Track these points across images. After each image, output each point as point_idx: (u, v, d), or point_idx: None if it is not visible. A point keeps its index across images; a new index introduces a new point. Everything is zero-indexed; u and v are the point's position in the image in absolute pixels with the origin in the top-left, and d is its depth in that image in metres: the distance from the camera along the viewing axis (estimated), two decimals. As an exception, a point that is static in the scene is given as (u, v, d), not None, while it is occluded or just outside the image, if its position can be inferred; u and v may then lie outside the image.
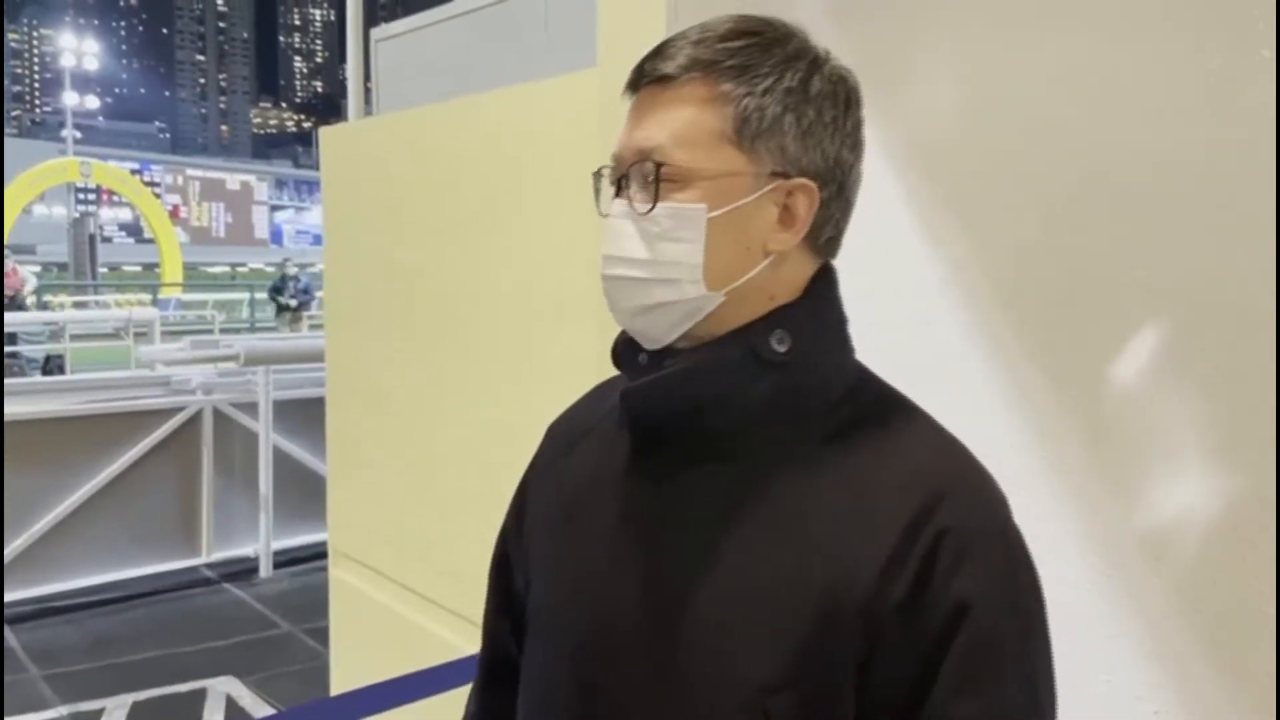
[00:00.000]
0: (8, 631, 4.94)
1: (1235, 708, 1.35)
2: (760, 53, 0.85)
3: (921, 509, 0.79)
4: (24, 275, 13.18)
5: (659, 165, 0.84)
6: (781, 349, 0.85)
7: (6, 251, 13.16)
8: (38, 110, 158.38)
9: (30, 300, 13.63)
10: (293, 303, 15.00)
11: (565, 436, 1.05)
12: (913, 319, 1.66)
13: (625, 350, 0.94)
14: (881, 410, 0.88)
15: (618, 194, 0.88)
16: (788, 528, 0.82)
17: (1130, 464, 1.43)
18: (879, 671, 0.78)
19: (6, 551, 5.23)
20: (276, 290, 15.46)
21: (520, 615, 1.03)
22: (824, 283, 0.90)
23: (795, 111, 0.85)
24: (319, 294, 13.73)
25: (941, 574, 0.77)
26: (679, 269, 0.84)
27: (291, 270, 15.64)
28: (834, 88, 0.87)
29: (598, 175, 0.93)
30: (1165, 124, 1.39)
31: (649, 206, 0.84)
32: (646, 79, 0.87)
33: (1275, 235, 1.28)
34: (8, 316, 12.39)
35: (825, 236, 0.89)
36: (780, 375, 0.85)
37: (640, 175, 0.85)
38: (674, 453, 0.87)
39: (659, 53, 0.87)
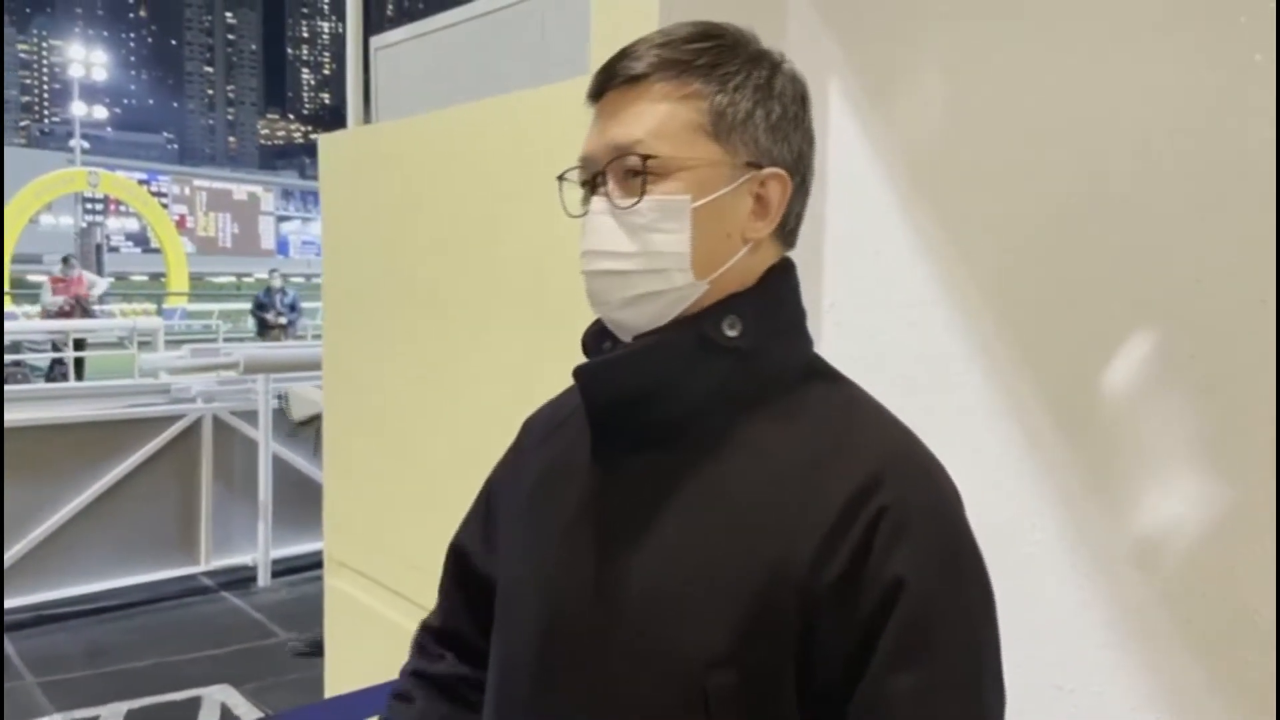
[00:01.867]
0: (4, 639, 4.94)
1: (1231, 718, 1.34)
2: (727, 53, 0.90)
3: (861, 488, 0.81)
4: (90, 279, 13.24)
5: (645, 158, 0.86)
6: (733, 333, 0.87)
7: (73, 259, 13.29)
8: (46, 120, 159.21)
9: (97, 306, 13.59)
10: (281, 320, 13.29)
11: (539, 430, 1.08)
12: (902, 324, 1.66)
13: (592, 340, 0.97)
14: (831, 398, 0.91)
15: (593, 193, 0.90)
16: (728, 511, 0.84)
17: (1121, 473, 1.42)
18: (818, 647, 0.80)
19: (5, 558, 5.23)
20: (260, 306, 13.63)
21: (476, 598, 1.07)
22: (780, 272, 0.93)
23: (764, 107, 0.89)
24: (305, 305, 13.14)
25: (879, 551, 0.79)
26: (667, 259, 0.87)
27: (277, 282, 13.85)
28: (794, 86, 0.92)
29: (562, 179, 0.96)
30: (1156, 132, 1.39)
31: (634, 199, 0.87)
32: (616, 81, 0.89)
33: (1274, 244, 1.27)
34: (26, 325, 12.48)
35: (790, 226, 0.93)
36: (732, 360, 0.88)
37: (620, 170, 0.88)
38: (626, 438, 0.90)
39: (624, 57, 0.90)
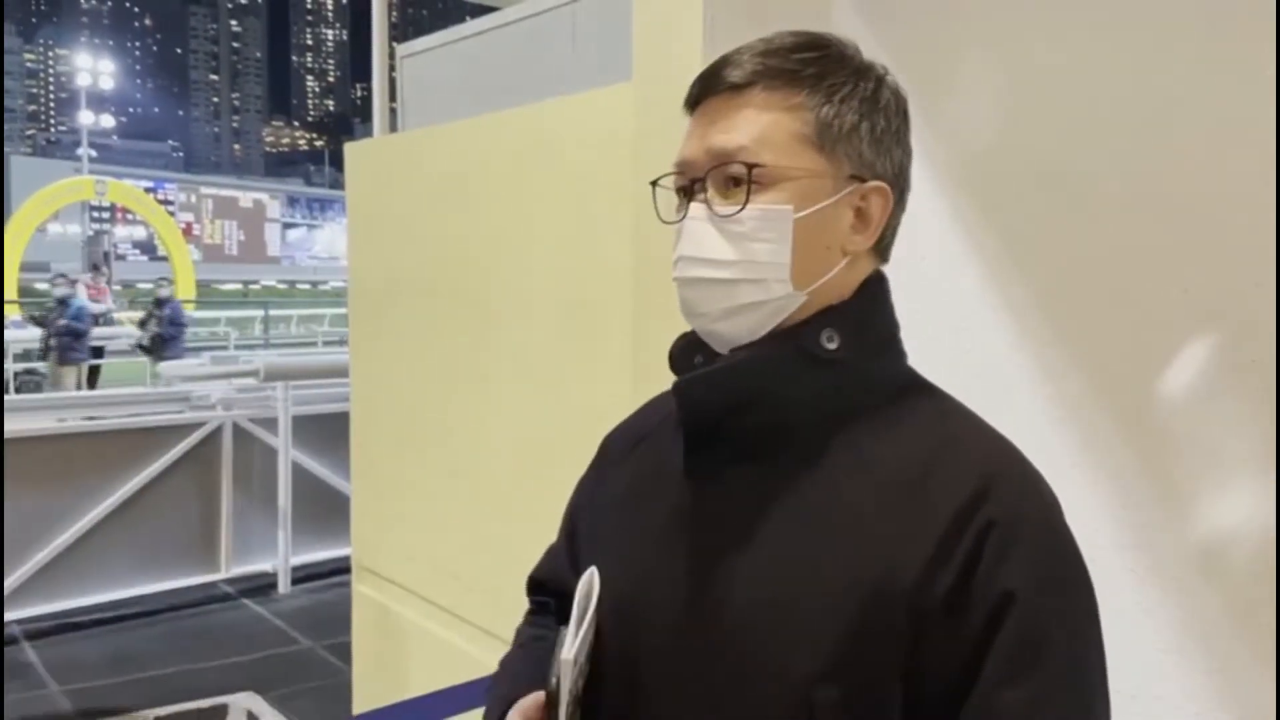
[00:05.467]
0: (28, 647, 4.95)
1: (1288, 723, 1.33)
2: (834, 64, 0.89)
3: (968, 502, 0.81)
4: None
5: (751, 166, 0.85)
6: (831, 347, 0.87)
7: (102, 268, 13.34)
8: (53, 130, 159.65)
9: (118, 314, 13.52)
10: (145, 337, 11.18)
11: (620, 446, 1.07)
12: (953, 327, 1.66)
13: (681, 353, 0.95)
14: (929, 410, 0.90)
15: (690, 199, 0.89)
16: (833, 523, 0.83)
17: (1182, 478, 1.42)
18: (926, 661, 0.79)
19: (26, 568, 5.24)
20: (142, 323, 11.67)
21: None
22: (877, 286, 0.93)
23: (869, 120, 0.89)
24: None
25: (988, 564, 0.79)
26: (767, 269, 0.86)
27: (165, 291, 11.86)
28: (897, 101, 0.92)
29: (655, 184, 0.95)
30: (1214, 133, 1.38)
31: (737, 208, 0.86)
32: (718, 88, 0.89)
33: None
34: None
35: (886, 240, 0.93)
36: (830, 373, 0.87)
37: (722, 177, 0.87)
38: (724, 450, 0.89)
39: (726, 64, 0.89)
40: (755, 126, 0.86)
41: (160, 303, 11.53)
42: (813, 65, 0.88)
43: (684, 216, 0.89)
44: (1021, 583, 0.79)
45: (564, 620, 0.93)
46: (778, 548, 0.84)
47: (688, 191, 0.90)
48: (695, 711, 0.85)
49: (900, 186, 0.92)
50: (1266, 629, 1.35)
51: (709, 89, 0.90)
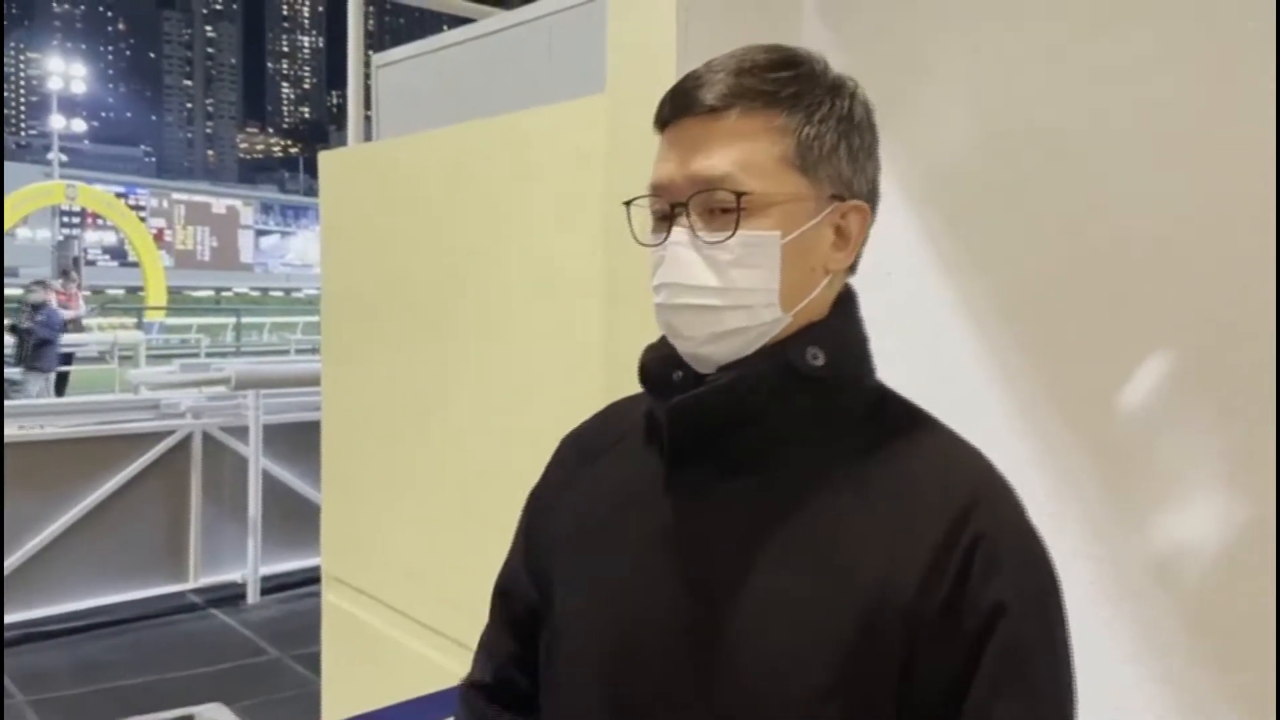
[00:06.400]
0: (-9, 657, 4.89)
1: (1245, 732, 1.36)
2: (809, 82, 0.88)
3: (957, 516, 0.82)
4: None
5: (739, 195, 0.85)
6: (817, 363, 0.87)
7: (73, 274, 13.22)
8: (23, 133, 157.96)
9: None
10: (27, 347, 10.22)
11: (580, 453, 1.05)
12: (919, 340, 1.68)
13: (657, 367, 0.94)
14: (906, 424, 0.91)
15: (670, 223, 0.88)
16: (825, 540, 0.83)
17: (1141, 490, 1.45)
18: (919, 674, 0.80)
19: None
20: (14, 328, 10.70)
21: (525, 639, 1.03)
22: (850, 302, 0.94)
23: (848, 139, 0.89)
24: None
25: (978, 576, 0.80)
26: (755, 295, 0.86)
27: (38, 296, 10.92)
28: (869, 115, 0.92)
29: (630, 205, 0.93)
30: (1178, 155, 1.41)
31: (725, 235, 0.85)
32: (693, 109, 0.87)
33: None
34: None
35: (859, 254, 0.93)
36: (817, 389, 0.88)
37: (707, 204, 0.86)
38: (709, 468, 0.88)
39: (699, 84, 0.87)
40: (737, 152, 0.85)
41: (36, 308, 10.84)
42: (789, 85, 0.87)
43: (665, 241, 0.88)
44: (1010, 596, 0.80)
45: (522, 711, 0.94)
46: (767, 568, 0.84)
47: (667, 216, 0.89)
48: None
49: (874, 201, 0.93)
50: (1225, 638, 1.38)
51: (682, 109, 0.88)
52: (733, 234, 0.85)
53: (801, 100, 0.87)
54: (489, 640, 1.10)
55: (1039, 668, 0.81)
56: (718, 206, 0.86)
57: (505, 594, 1.09)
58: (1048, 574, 0.86)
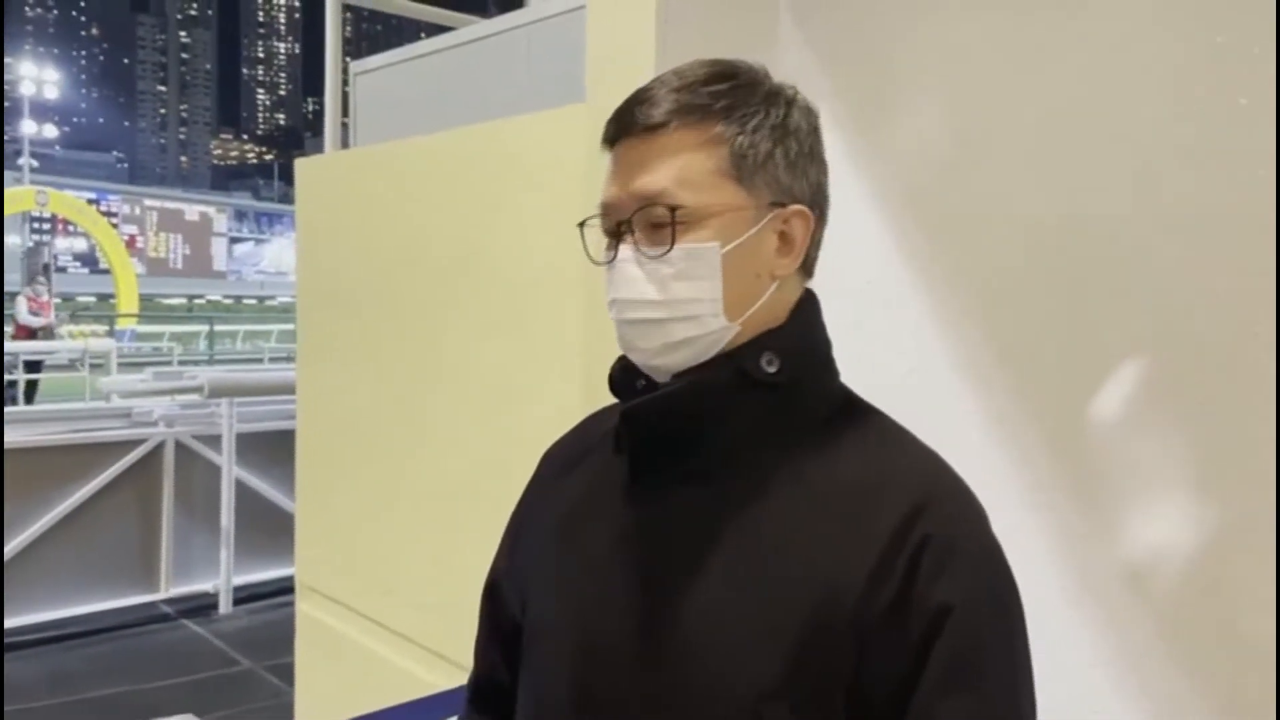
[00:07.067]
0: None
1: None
2: (743, 92, 0.90)
3: (905, 518, 0.83)
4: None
5: (674, 209, 0.87)
6: (771, 370, 0.89)
7: (44, 280, 13.07)
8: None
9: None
10: None
11: (561, 462, 1.08)
12: (895, 348, 1.69)
13: (622, 376, 0.97)
14: (865, 428, 0.93)
15: (619, 240, 0.91)
16: (776, 543, 0.85)
17: (1111, 493, 1.46)
18: (867, 674, 0.81)
19: (-42, 586, 5.11)
20: None
21: (511, 643, 1.05)
22: (810, 308, 0.95)
23: (783, 145, 0.90)
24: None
25: (925, 578, 0.81)
26: (700, 305, 0.88)
27: None
28: (808, 119, 0.94)
29: (583, 225, 0.96)
30: (1150, 165, 1.44)
31: (665, 249, 0.87)
32: (634, 128, 0.89)
33: (1272, 270, 1.32)
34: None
35: (810, 257, 0.95)
36: (771, 395, 0.90)
37: (647, 220, 0.88)
38: (667, 472, 0.91)
39: (641, 102, 0.90)
40: (674, 168, 0.87)
41: None
42: (724, 97, 0.89)
43: (614, 259, 0.91)
44: (958, 597, 0.81)
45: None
46: (723, 569, 0.86)
47: (615, 233, 0.91)
48: None
49: (820, 204, 0.94)
50: (1196, 641, 1.40)
51: (625, 129, 0.90)
52: (670, 248, 0.87)
53: (735, 111, 0.89)
54: (476, 645, 1.13)
55: (987, 670, 0.81)
56: (657, 222, 0.88)
57: (491, 598, 1.12)
58: (1000, 576, 0.86)
